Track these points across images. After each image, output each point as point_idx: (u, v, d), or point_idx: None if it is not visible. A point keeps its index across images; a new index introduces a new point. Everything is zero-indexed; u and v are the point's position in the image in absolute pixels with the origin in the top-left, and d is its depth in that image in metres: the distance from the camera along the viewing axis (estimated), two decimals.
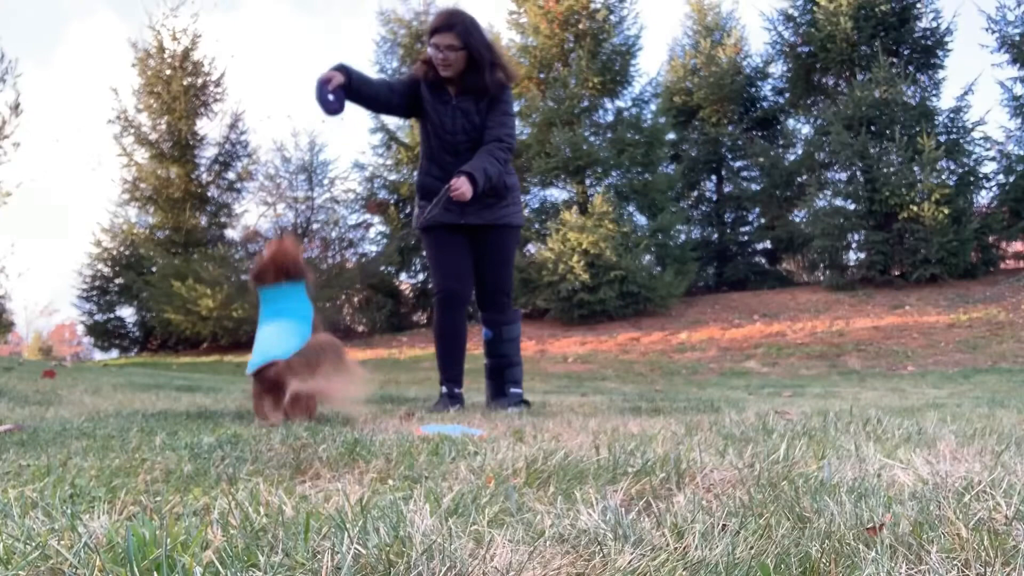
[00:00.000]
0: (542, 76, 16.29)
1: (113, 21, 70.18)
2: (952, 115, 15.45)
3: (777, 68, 18.42)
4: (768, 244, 18.79)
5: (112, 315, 18.77)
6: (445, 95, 3.42)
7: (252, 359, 2.56)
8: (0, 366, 6.36)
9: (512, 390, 3.54)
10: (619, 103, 16.48)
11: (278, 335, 2.59)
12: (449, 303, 3.49)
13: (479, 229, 3.49)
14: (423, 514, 1.06)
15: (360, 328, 18.68)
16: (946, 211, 13.94)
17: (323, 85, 3.16)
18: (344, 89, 3.23)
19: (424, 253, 3.66)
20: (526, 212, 15.81)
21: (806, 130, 18.23)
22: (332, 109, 3.19)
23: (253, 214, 38.37)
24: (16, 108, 11.36)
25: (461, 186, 3.21)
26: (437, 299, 3.51)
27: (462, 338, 3.55)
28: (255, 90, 71.28)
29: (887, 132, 14.86)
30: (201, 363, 14.39)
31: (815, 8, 16.00)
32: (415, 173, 20.32)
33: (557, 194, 16.44)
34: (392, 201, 18.58)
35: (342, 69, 3.25)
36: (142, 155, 18.58)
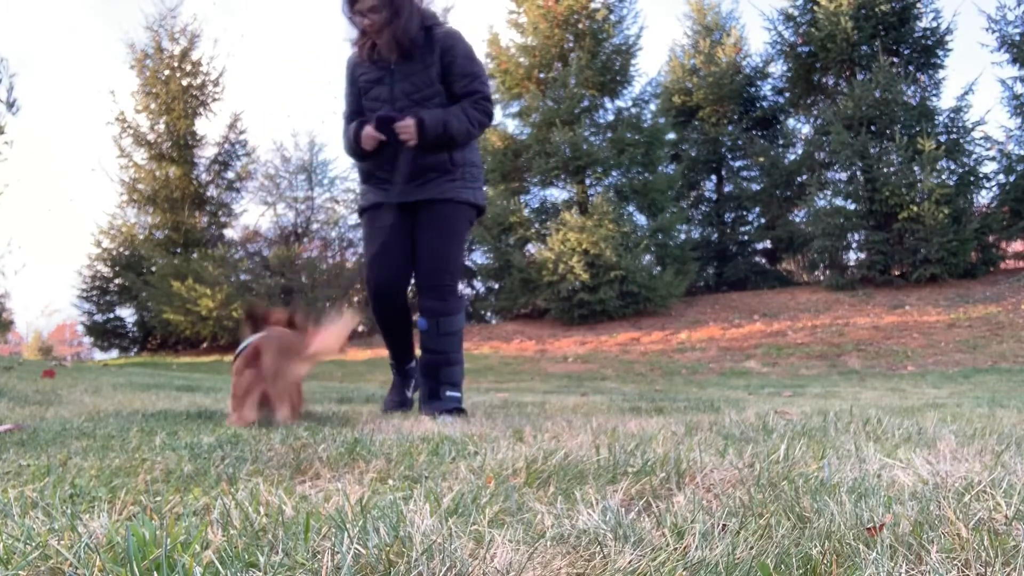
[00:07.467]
0: (542, 76, 16.30)
1: None
2: (952, 115, 15.46)
3: (777, 68, 18.45)
4: (768, 244, 18.80)
5: (112, 315, 18.78)
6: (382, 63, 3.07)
7: None
8: (0, 366, 6.35)
9: (448, 393, 3.04)
10: (619, 103, 16.51)
11: None
12: (381, 299, 3.14)
13: (417, 206, 3.10)
14: (423, 514, 1.06)
15: (360, 328, 18.67)
16: (946, 211, 13.94)
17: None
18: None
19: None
20: (525, 212, 15.77)
21: (806, 130, 18.27)
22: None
23: (253, 214, 38.26)
24: (12, 105, 11.36)
25: (408, 128, 2.92)
26: (368, 293, 3.15)
27: (407, 324, 3.24)
28: (254, 88, 71.23)
29: (887, 132, 14.87)
30: (201, 363, 14.38)
31: (815, 8, 16.00)
32: None
33: (557, 194, 16.45)
34: None
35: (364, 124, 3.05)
36: (141, 156, 18.59)
